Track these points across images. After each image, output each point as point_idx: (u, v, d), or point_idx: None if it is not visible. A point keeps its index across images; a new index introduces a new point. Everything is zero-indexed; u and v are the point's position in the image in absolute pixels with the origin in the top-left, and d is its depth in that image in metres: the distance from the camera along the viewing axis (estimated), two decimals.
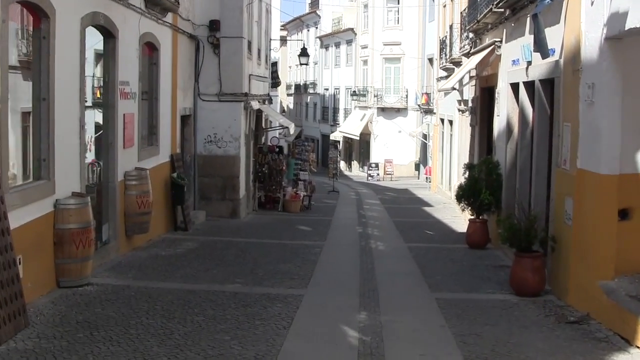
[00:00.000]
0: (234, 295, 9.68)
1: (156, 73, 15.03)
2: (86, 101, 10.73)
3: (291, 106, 67.81)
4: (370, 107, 49.80)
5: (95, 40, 11.50)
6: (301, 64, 30.27)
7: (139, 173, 12.93)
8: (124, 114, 12.51)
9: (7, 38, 7.76)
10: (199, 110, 18.74)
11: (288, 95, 67.69)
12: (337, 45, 56.82)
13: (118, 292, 9.43)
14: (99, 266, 11.08)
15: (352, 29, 52.96)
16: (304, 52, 28.46)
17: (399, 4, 49.16)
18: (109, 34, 11.78)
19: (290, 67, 65.56)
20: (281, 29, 61.03)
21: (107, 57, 11.95)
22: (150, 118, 15.03)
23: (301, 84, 64.20)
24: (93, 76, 11.85)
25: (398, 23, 49.44)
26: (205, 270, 11.40)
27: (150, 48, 14.74)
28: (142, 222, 13.01)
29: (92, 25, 11.08)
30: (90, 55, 11.37)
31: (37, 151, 9.13)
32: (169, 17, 15.75)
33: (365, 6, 51.49)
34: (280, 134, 32.51)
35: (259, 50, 23.55)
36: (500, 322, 8.86)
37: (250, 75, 20.51)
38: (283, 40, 50.98)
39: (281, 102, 67.62)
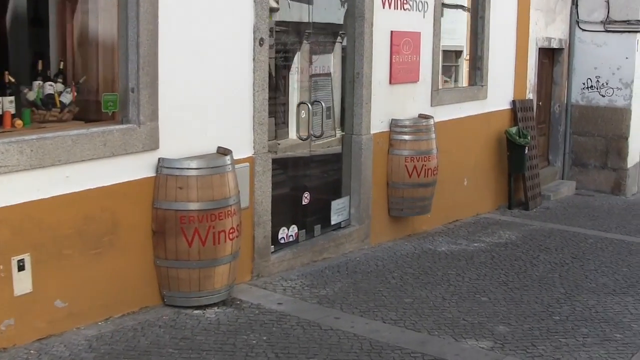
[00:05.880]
0: None
1: None
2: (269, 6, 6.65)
3: None
4: None
5: None
6: None
7: (415, 124, 8.49)
8: (391, 32, 8.19)
9: None
10: (577, 43, 13.32)
11: None
12: None
13: (230, 333, 5.28)
14: (304, 265, 7.10)
15: None
16: None
17: None
18: None
19: None
20: None
21: None
22: (472, 46, 10.41)
23: None
24: None
25: None
26: (463, 299, 6.52)
27: None
28: (417, 199, 8.57)
29: None
30: None
31: (124, 78, 5.37)
32: None
33: None
34: None
35: None
36: None
37: None
38: None
39: None
